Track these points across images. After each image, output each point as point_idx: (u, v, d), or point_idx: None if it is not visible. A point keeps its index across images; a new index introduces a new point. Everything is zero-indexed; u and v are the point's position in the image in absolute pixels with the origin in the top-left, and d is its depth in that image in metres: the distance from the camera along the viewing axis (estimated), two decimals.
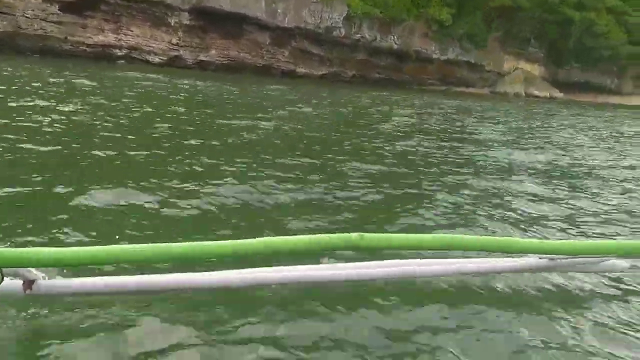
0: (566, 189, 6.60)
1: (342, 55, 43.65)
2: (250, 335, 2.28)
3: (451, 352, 2.30)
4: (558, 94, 51.15)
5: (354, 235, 2.62)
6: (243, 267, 2.55)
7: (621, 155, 11.03)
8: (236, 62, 38.32)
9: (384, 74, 45.33)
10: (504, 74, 50.79)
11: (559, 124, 19.07)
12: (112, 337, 2.15)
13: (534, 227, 4.50)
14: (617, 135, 16.69)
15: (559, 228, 4.57)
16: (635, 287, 3.29)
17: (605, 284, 3.26)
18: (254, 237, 2.42)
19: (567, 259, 3.06)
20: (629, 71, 59.03)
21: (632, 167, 9.22)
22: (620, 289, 3.23)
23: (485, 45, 47.72)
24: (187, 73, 28.97)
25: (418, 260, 2.92)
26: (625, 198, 6.36)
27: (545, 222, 4.73)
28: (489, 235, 3.94)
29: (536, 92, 48.96)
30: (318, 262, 2.81)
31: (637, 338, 2.62)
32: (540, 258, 3.07)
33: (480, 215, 4.77)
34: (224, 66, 37.59)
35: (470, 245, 2.94)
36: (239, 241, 2.42)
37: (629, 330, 2.68)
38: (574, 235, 4.43)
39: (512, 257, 3.11)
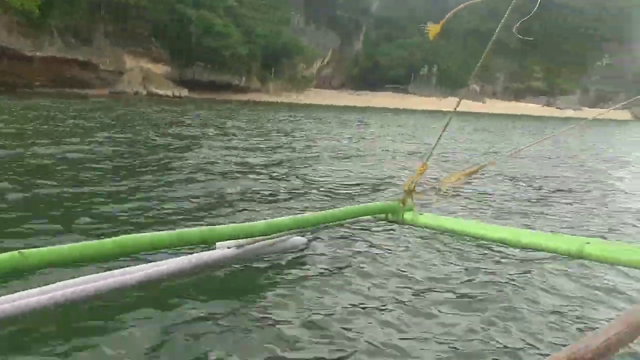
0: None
1: None
2: None
3: None
4: (185, 92, 55.76)
5: (14, 253, 2.55)
6: None
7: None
8: None
9: None
10: (124, 73, 51.96)
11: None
12: None
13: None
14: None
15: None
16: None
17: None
18: None
19: (256, 242, 3.51)
20: (254, 69, 69.88)
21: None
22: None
23: (92, 41, 47.63)
24: None
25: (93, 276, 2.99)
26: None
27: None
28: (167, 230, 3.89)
29: (159, 91, 52.19)
30: None
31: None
32: (229, 248, 3.47)
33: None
34: None
35: (157, 243, 3.13)
36: None
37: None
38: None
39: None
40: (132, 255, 3.36)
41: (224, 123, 22.48)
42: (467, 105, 69.26)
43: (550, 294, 3.77)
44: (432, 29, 1.97)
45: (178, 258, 3.42)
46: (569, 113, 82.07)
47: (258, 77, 71.88)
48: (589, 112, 74.80)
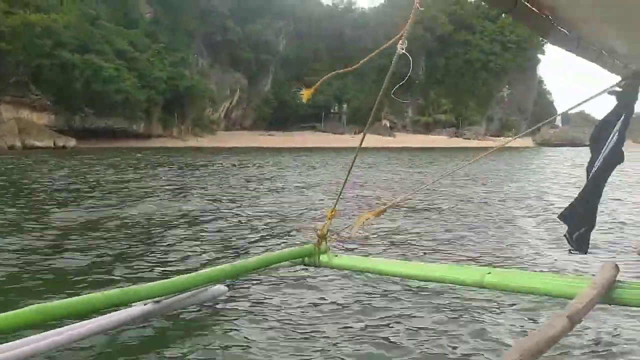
0: None
1: None
2: None
3: None
4: (72, 142, 53.20)
5: None
6: None
7: None
8: None
9: None
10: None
11: None
12: None
13: None
14: None
15: None
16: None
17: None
18: None
19: (174, 296, 3.14)
20: (155, 113, 68.39)
21: None
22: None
23: None
24: None
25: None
26: None
27: None
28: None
29: (38, 143, 49.42)
30: None
31: None
32: (145, 304, 3.11)
33: None
34: None
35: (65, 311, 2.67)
36: None
37: None
38: None
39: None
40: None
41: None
42: (378, 140, 72.48)
43: (451, 326, 4.19)
44: (306, 93, 2.33)
45: (91, 319, 3.55)
46: (474, 143, 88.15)
47: (160, 122, 70.45)
48: (492, 141, 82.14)
